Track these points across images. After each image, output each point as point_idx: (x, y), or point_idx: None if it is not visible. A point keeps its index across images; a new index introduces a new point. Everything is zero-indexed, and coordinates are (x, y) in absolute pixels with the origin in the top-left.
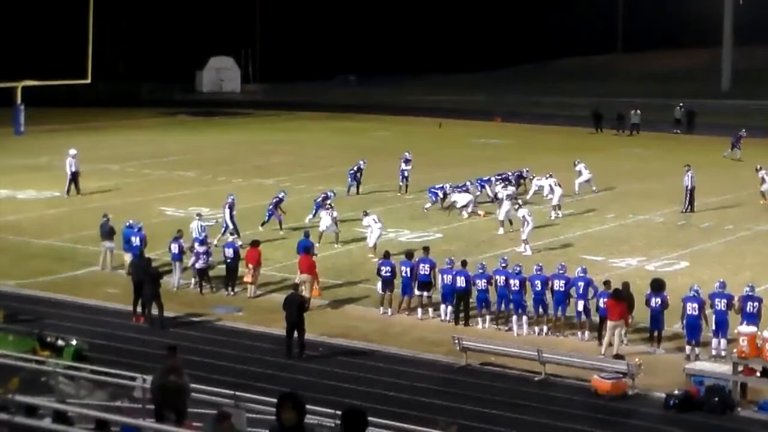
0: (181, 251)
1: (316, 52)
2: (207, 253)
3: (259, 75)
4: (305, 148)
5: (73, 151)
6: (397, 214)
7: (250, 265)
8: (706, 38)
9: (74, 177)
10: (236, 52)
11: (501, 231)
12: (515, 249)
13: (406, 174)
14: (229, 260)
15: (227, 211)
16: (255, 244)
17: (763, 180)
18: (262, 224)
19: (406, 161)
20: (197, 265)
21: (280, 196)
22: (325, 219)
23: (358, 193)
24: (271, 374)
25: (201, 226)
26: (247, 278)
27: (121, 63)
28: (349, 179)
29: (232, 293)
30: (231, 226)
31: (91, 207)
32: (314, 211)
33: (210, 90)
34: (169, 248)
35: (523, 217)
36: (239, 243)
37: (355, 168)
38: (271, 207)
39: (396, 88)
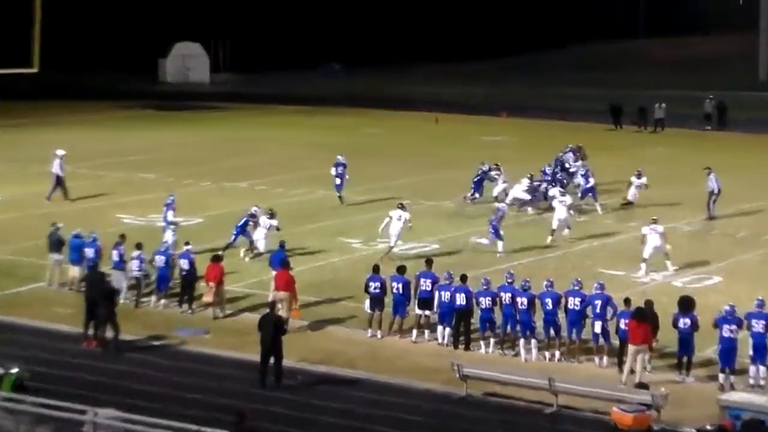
0: (122, 259)
1: (296, 38)
2: (140, 259)
3: (231, 63)
4: (283, 147)
5: (60, 152)
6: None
7: (211, 284)
8: (740, 22)
9: (59, 181)
10: (204, 37)
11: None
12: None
13: (338, 182)
14: (184, 272)
15: (170, 212)
16: (217, 259)
17: None
18: (226, 247)
19: (339, 166)
20: (132, 273)
21: (252, 211)
22: (259, 233)
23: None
24: (242, 406)
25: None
26: (207, 298)
27: (73, 49)
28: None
29: (189, 311)
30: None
31: (38, 214)
32: (234, 238)
33: (175, 80)
34: (110, 256)
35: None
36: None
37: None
38: (241, 222)
39: (387, 79)
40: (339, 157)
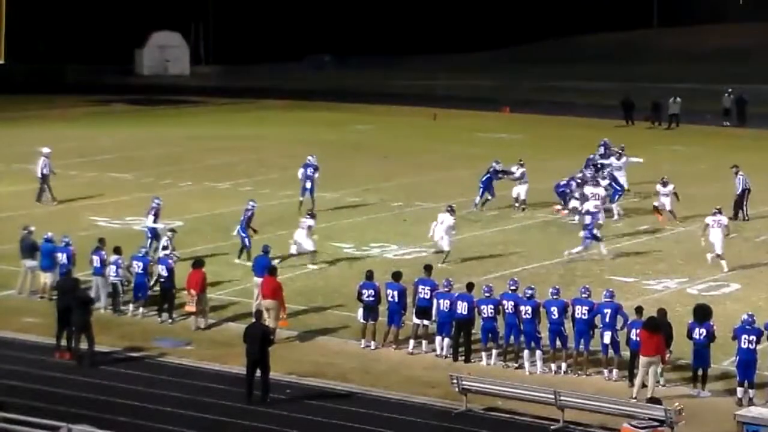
0: (104, 264)
1: (283, 28)
2: (117, 265)
3: (213, 55)
4: (269, 144)
5: (46, 150)
6: (380, 225)
7: (193, 291)
8: (761, 10)
9: (45, 180)
10: (184, 26)
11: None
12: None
13: (308, 186)
14: (162, 280)
15: (150, 217)
16: (198, 265)
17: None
18: (240, 254)
19: (308, 167)
20: (109, 279)
21: (249, 207)
22: (299, 234)
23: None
24: (227, 422)
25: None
26: (189, 307)
27: (42, 40)
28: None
29: (169, 321)
30: (151, 237)
31: (4, 217)
32: (247, 241)
33: (152, 73)
34: (91, 261)
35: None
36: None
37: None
38: (242, 226)
39: (380, 72)
40: (309, 158)
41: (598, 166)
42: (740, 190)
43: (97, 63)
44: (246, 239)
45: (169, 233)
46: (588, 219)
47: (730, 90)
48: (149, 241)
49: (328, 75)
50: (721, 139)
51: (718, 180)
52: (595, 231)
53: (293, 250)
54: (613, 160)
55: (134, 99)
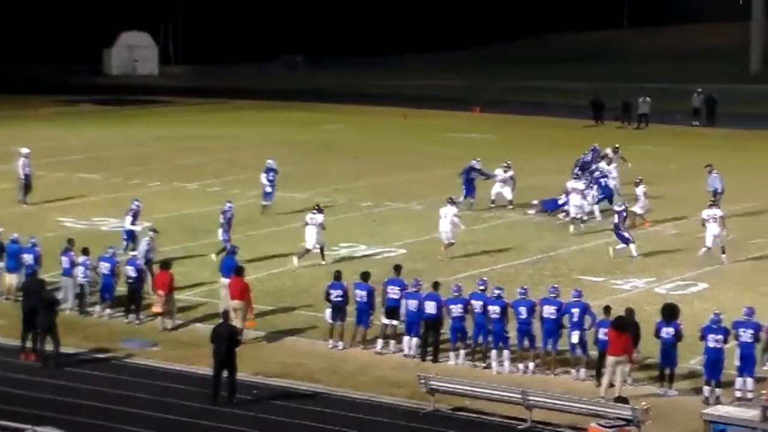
0: (73, 265)
1: (254, 28)
2: (85, 266)
3: (183, 55)
4: (240, 144)
5: (25, 150)
6: (350, 225)
7: (160, 292)
8: (731, 11)
9: (27, 180)
10: (154, 26)
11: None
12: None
13: (268, 189)
14: (130, 281)
15: (130, 219)
16: (165, 266)
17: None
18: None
19: (270, 171)
20: (77, 280)
21: (227, 208)
22: (309, 231)
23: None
24: (193, 423)
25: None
26: (156, 308)
27: (8, 38)
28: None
29: (136, 322)
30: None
31: None
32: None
33: (121, 73)
34: (60, 262)
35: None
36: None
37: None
38: (224, 226)
39: (353, 72)
40: (269, 162)
41: (584, 166)
42: (713, 189)
43: (65, 63)
44: (228, 243)
45: (150, 233)
46: (615, 218)
47: (699, 90)
48: (126, 242)
49: (300, 75)
50: (691, 139)
51: (687, 179)
52: (623, 228)
53: (309, 245)
54: (603, 164)
55: (103, 99)
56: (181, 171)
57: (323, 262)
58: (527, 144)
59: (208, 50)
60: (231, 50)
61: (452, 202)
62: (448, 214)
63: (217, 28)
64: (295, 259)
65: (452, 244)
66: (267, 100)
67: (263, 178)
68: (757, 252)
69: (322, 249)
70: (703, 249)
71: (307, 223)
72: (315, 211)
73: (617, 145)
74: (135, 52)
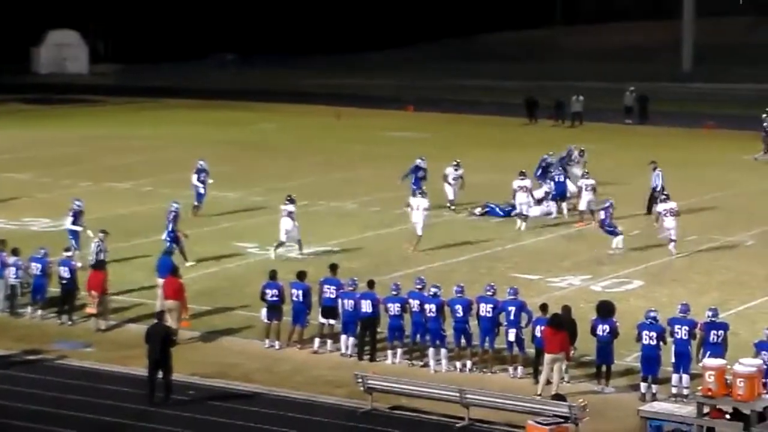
0: (4, 266)
1: (185, 26)
2: (17, 266)
3: (112, 53)
4: (171, 143)
5: None
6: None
7: (94, 293)
8: (663, 9)
9: None
10: (82, 24)
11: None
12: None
13: (201, 191)
14: (64, 281)
15: (71, 219)
16: (99, 266)
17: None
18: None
19: (201, 172)
20: (8, 281)
21: (174, 208)
22: (286, 223)
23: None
24: (128, 425)
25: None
26: (90, 309)
27: None
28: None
29: (69, 323)
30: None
31: None
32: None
33: (50, 71)
34: None
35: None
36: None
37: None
38: (170, 227)
39: (284, 70)
40: (201, 163)
41: (544, 165)
42: (655, 185)
43: None
44: (172, 244)
45: (100, 234)
46: (602, 214)
47: (632, 88)
48: (74, 242)
49: (231, 74)
50: (624, 137)
51: (622, 177)
52: (612, 224)
53: (283, 237)
54: (575, 168)
55: (31, 98)
56: (112, 171)
57: (299, 256)
58: (463, 142)
59: (138, 49)
60: (162, 49)
61: (422, 194)
62: (420, 206)
63: (148, 27)
64: (272, 252)
65: (420, 237)
66: (198, 99)
67: (194, 179)
68: (693, 248)
69: (299, 242)
70: (672, 243)
71: (282, 215)
72: (287, 202)
73: (583, 148)
74: (64, 50)
